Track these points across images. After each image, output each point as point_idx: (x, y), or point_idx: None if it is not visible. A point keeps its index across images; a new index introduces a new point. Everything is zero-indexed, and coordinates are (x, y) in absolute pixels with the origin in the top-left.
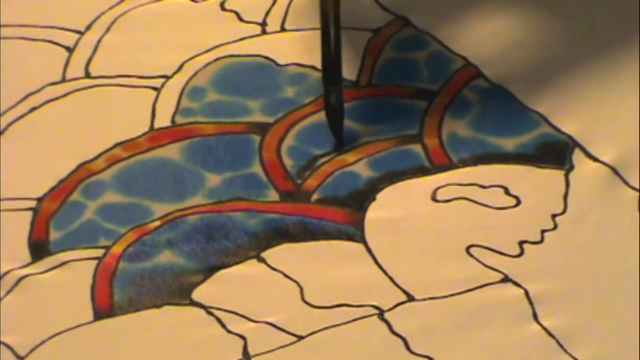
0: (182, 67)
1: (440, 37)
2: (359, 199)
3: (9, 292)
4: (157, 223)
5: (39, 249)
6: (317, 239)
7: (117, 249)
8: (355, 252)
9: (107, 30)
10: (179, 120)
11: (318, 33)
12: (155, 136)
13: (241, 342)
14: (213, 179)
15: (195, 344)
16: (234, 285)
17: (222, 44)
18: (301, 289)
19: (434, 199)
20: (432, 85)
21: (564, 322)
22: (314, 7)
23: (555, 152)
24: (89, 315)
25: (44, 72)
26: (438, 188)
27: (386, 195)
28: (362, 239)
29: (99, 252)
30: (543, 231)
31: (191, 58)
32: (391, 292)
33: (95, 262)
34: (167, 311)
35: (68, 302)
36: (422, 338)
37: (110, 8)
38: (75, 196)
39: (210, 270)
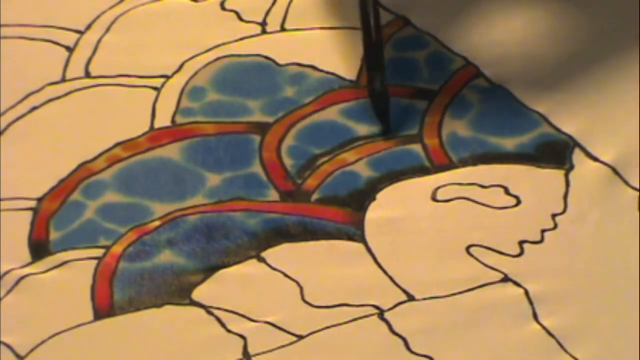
0: (182, 67)
1: (440, 37)
2: (359, 198)
3: (9, 291)
4: (157, 223)
5: (39, 248)
6: (317, 239)
7: (117, 249)
8: (355, 252)
9: (107, 30)
10: (179, 120)
11: (318, 33)
12: (155, 136)
13: (241, 341)
14: (213, 179)
15: (195, 343)
16: (234, 285)
17: (222, 44)
18: (301, 288)
19: (434, 198)
20: (432, 85)
21: (564, 321)
22: (314, 7)
23: (555, 152)
24: (89, 315)
25: (44, 71)
26: (438, 188)
27: (386, 195)
28: (362, 239)
29: (99, 252)
30: (543, 231)
31: (191, 58)
32: (391, 291)
33: (95, 261)
34: (167, 311)
35: (68, 302)
36: (422, 338)
37: (110, 8)
38: (75, 196)
39: (210, 270)
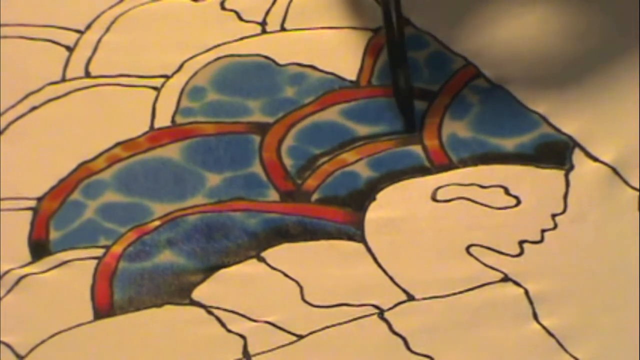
0: (182, 67)
1: (440, 37)
2: (359, 198)
3: (9, 291)
4: (157, 223)
5: (39, 248)
6: (317, 239)
7: (117, 249)
8: (355, 252)
9: (107, 29)
10: (179, 120)
11: (318, 33)
12: (155, 136)
13: (241, 341)
14: (213, 179)
15: (195, 343)
16: (234, 284)
17: (222, 44)
18: (301, 288)
19: (434, 198)
20: (432, 85)
21: (564, 321)
22: (314, 7)
23: (555, 152)
24: (89, 315)
25: (44, 71)
26: (438, 188)
27: (386, 195)
28: (362, 239)
29: (99, 252)
30: (543, 231)
31: (191, 58)
32: (391, 291)
33: (95, 261)
34: (167, 311)
35: (68, 302)
36: (422, 337)
37: (110, 7)
38: (76, 196)
39: (210, 270)
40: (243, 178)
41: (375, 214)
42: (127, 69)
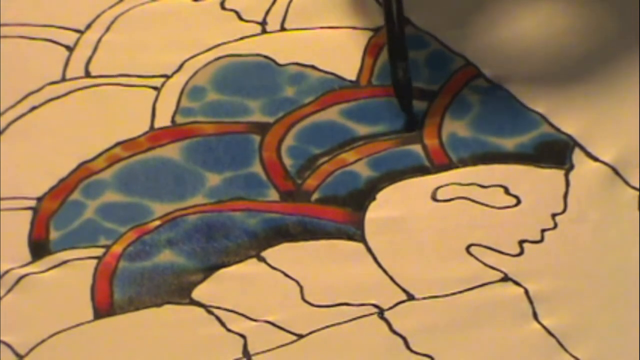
0: (182, 67)
1: (440, 37)
2: (359, 198)
3: (9, 291)
4: (157, 222)
5: (39, 248)
6: (317, 239)
7: (117, 249)
8: (355, 252)
9: (107, 29)
10: (179, 120)
11: (318, 33)
12: (156, 136)
13: (241, 341)
14: (213, 179)
15: (195, 343)
16: (234, 284)
17: (222, 44)
18: (301, 288)
19: (434, 198)
20: (432, 85)
21: (564, 321)
22: (314, 7)
23: (555, 152)
24: (89, 315)
25: (44, 71)
26: (438, 188)
27: (386, 195)
28: (362, 239)
29: (99, 252)
30: (543, 230)
31: (191, 57)
32: (391, 291)
33: (95, 261)
34: (167, 310)
35: (68, 301)
36: (422, 337)
37: (110, 7)
38: (76, 195)
39: (210, 270)
40: (243, 178)
41: (375, 213)
42: (127, 69)
